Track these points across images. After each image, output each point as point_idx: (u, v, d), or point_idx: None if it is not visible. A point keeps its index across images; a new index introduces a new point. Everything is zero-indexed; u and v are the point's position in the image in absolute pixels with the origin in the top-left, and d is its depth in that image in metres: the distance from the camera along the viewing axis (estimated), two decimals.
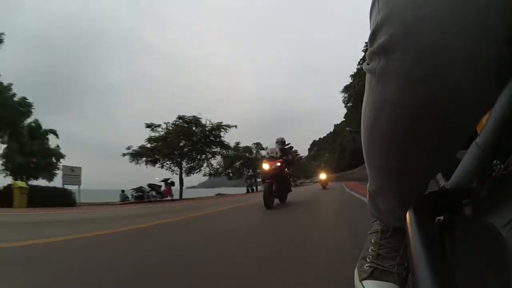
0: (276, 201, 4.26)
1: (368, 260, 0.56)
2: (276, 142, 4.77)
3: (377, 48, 0.28)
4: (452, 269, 0.29)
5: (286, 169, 4.58)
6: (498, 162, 0.31)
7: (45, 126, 14.76)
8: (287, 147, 4.86)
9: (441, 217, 0.41)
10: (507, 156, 0.30)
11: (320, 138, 79.31)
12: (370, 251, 0.57)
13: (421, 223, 0.32)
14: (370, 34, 0.30)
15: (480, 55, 0.24)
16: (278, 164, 4.18)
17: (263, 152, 4.90)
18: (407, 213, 0.36)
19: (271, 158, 4.36)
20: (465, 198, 0.34)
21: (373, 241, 0.59)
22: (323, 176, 12.09)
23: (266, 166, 4.20)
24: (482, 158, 0.34)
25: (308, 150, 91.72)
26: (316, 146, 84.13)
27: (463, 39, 0.24)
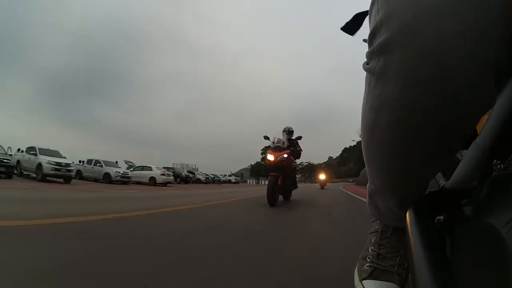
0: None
1: (368, 260, 0.56)
2: (283, 131, 4.05)
3: (377, 48, 0.28)
4: (452, 269, 0.29)
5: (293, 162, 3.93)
6: (498, 162, 0.31)
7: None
8: (295, 137, 4.16)
9: (441, 217, 0.41)
10: (507, 156, 0.30)
11: (350, 146, 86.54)
12: (370, 251, 0.57)
13: (421, 223, 0.32)
14: (370, 34, 0.30)
15: (480, 55, 0.24)
16: (285, 155, 3.55)
17: (268, 142, 4.05)
18: (407, 213, 0.36)
19: (277, 148, 3.68)
20: (465, 198, 0.34)
21: (373, 241, 0.58)
22: (322, 176, 12.08)
23: (271, 157, 3.54)
24: (482, 158, 0.34)
25: (340, 155, 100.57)
26: (346, 153, 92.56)
27: (462, 39, 0.24)
